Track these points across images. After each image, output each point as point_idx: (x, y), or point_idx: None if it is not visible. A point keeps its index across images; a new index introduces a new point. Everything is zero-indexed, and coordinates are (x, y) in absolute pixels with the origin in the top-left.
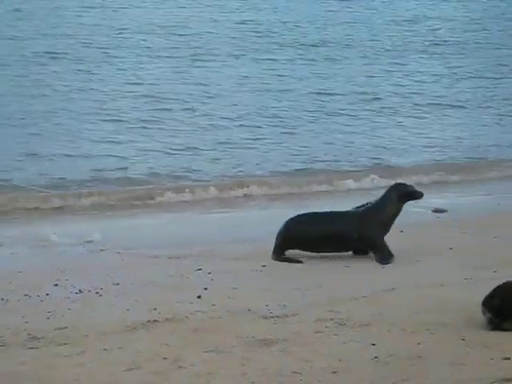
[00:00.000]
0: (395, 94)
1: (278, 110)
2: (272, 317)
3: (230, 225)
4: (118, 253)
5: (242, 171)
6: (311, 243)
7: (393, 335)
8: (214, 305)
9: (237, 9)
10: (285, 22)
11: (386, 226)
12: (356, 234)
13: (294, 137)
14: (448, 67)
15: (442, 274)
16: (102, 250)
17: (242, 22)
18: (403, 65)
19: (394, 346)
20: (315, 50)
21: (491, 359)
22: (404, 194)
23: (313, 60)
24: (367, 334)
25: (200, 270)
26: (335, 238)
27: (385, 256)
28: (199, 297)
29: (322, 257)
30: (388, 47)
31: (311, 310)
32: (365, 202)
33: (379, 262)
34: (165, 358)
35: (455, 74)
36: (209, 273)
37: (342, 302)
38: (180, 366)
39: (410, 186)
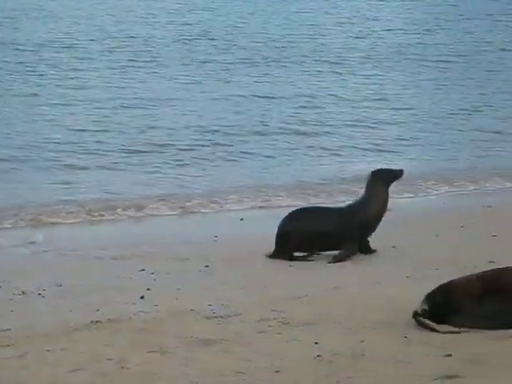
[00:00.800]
0: (337, 97)
1: (226, 116)
2: (215, 317)
3: (172, 226)
4: (61, 254)
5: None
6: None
7: (336, 334)
8: (156, 305)
9: (176, 10)
10: (224, 23)
11: (379, 216)
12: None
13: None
14: (387, 70)
15: (384, 272)
16: (44, 252)
17: (184, 24)
18: (343, 67)
19: (337, 344)
20: (256, 52)
21: (433, 356)
22: (387, 177)
23: (255, 62)
24: (310, 333)
25: (143, 270)
26: (327, 235)
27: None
28: (142, 297)
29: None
30: (328, 49)
31: (254, 310)
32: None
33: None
34: (108, 359)
35: (396, 78)
36: (152, 273)
37: (285, 301)
38: (123, 367)
39: (388, 168)
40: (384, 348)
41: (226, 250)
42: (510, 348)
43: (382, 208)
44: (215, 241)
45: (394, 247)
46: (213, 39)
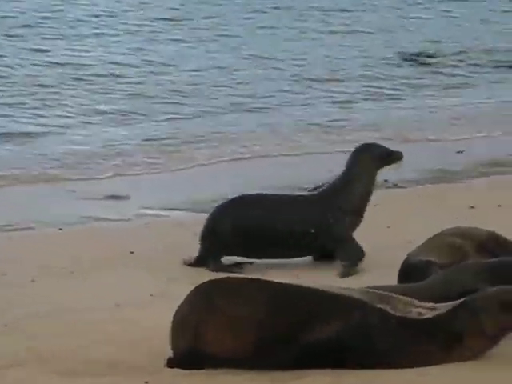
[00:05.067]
0: None
1: None
2: None
3: None
4: None
5: None
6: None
7: (45, 379)
8: None
9: None
10: None
11: (360, 209)
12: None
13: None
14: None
15: (119, 288)
16: None
17: None
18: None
19: None
20: None
21: None
22: (379, 156)
23: None
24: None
25: None
26: (284, 236)
27: (354, 255)
28: None
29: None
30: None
31: None
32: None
33: (346, 265)
34: None
35: None
36: None
37: None
38: None
39: (382, 146)
40: None
41: None
42: None
43: (366, 194)
44: None
45: (132, 253)
46: None
